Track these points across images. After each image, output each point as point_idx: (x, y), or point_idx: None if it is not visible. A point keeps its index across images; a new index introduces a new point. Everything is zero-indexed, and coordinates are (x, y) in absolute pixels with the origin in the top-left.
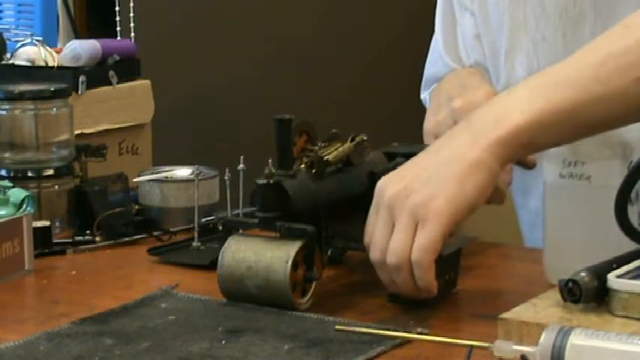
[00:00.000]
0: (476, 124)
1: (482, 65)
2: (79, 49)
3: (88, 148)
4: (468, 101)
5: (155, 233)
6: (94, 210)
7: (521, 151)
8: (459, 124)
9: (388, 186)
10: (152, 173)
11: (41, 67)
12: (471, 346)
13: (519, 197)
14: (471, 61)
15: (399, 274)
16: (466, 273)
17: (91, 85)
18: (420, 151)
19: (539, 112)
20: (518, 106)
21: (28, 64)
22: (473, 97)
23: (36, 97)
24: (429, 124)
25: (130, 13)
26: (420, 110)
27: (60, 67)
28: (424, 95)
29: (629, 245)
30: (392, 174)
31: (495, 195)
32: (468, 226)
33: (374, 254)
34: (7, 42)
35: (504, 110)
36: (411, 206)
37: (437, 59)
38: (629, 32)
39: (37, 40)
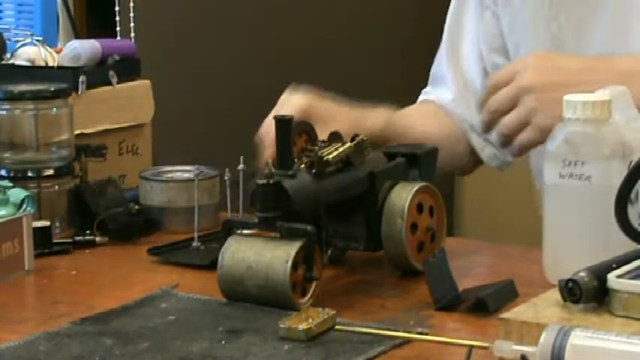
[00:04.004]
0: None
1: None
2: (79, 49)
3: (88, 148)
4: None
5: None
6: (93, 210)
7: None
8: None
9: None
10: (152, 173)
11: (41, 67)
12: (471, 346)
13: None
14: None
15: None
16: (466, 273)
17: (91, 85)
18: (420, 151)
19: None
20: None
21: (28, 64)
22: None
23: (36, 97)
24: None
25: (130, 13)
26: None
27: (60, 67)
28: (426, 89)
29: (629, 245)
30: None
31: None
32: (468, 226)
33: None
34: (7, 42)
35: None
36: None
37: (442, 60)
38: None
39: (37, 40)
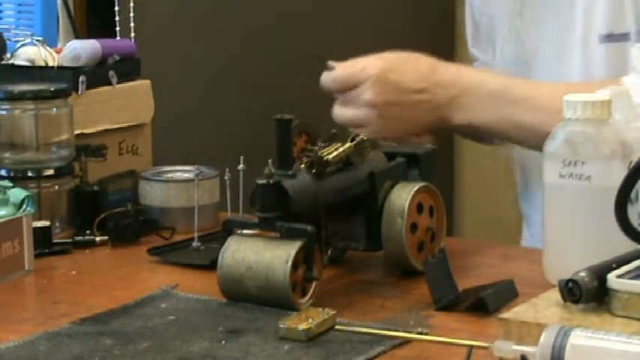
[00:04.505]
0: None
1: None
2: (79, 49)
3: (88, 148)
4: None
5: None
6: (94, 210)
7: None
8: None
9: None
10: (152, 173)
11: (41, 67)
12: (471, 346)
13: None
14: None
15: None
16: (466, 273)
17: (91, 85)
18: (420, 151)
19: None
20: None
21: (28, 64)
22: None
23: (36, 97)
24: None
25: (130, 13)
26: None
27: (60, 67)
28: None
29: (629, 245)
30: None
31: None
32: (468, 227)
33: None
34: (7, 42)
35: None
36: None
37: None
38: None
39: (37, 40)
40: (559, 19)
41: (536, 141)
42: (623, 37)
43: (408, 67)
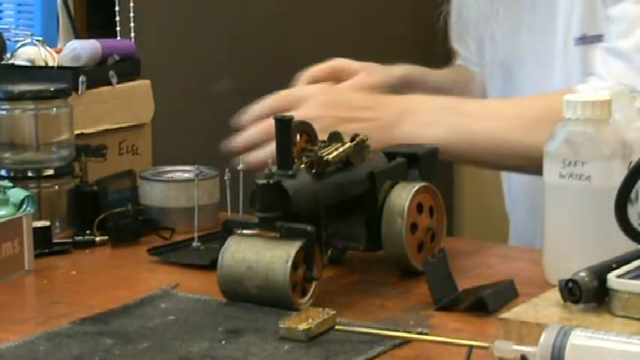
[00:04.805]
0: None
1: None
2: (79, 49)
3: (88, 148)
4: None
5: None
6: (94, 210)
7: None
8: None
9: None
10: (152, 173)
11: (41, 67)
12: (471, 346)
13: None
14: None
15: None
16: (466, 273)
17: (91, 85)
18: (420, 151)
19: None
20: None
21: (28, 64)
22: None
23: (36, 97)
24: None
25: (130, 13)
26: None
27: (60, 67)
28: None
29: (629, 245)
30: None
31: None
32: (468, 227)
33: None
34: (7, 42)
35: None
36: None
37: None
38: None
39: (37, 40)
40: (537, 23)
41: (493, 155)
42: (596, 38)
43: (352, 90)
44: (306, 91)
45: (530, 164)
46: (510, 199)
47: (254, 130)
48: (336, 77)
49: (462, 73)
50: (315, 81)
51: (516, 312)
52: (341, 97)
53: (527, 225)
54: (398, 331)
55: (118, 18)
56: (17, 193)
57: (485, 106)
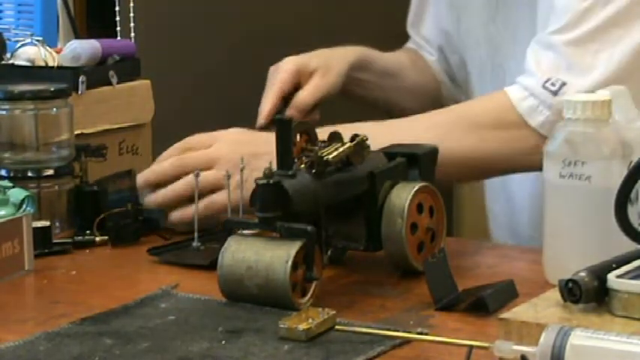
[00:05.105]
0: None
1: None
2: (79, 49)
3: (88, 148)
4: None
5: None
6: (94, 210)
7: None
8: None
9: None
10: None
11: (41, 67)
12: (471, 346)
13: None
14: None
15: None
16: (466, 273)
17: (91, 85)
18: (420, 151)
19: None
20: None
21: (28, 64)
22: None
23: (36, 97)
24: None
25: (130, 13)
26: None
27: (60, 67)
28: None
29: (629, 245)
30: None
31: None
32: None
33: None
34: (7, 42)
35: None
36: None
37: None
38: None
39: (37, 40)
40: (534, 24)
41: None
42: None
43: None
44: (220, 135)
45: (452, 171)
46: (489, 190)
47: (179, 185)
48: (297, 82)
49: (415, 59)
50: (283, 94)
51: (516, 312)
52: (253, 137)
53: (506, 218)
54: (398, 331)
55: (118, 18)
56: (17, 193)
57: (399, 122)
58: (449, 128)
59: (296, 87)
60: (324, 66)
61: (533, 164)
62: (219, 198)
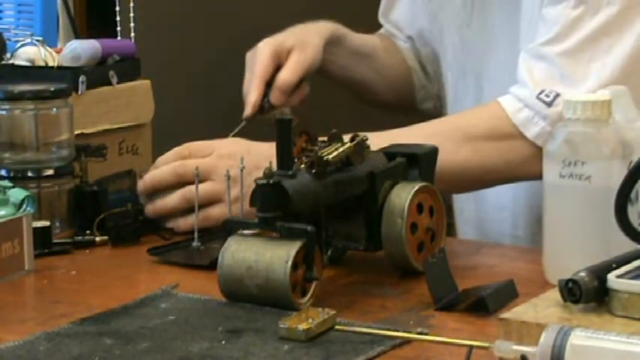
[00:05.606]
0: None
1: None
2: (79, 49)
3: (88, 148)
4: None
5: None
6: (94, 210)
7: None
8: None
9: None
10: None
11: (41, 67)
12: (471, 346)
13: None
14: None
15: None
16: (466, 273)
17: (91, 85)
18: (420, 151)
19: None
20: None
21: (28, 64)
22: None
23: (36, 97)
24: None
25: (130, 13)
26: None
27: (60, 67)
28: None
29: (629, 245)
30: None
31: None
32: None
33: None
34: (7, 42)
35: None
36: None
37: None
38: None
39: (37, 40)
40: (509, 30)
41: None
42: None
43: (258, 143)
44: (216, 145)
45: (446, 182)
46: None
47: (175, 199)
48: (277, 63)
49: (387, 43)
50: (265, 80)
51: (516, 312)
52: (249, 148)
53: (473, 213)
54: (398, 331)
55: (118, 18)
56: (17, 193)
57: (392, 133)
58: (443, 139)
59: (277, 68)
60: (301, 42)
61: (527, 175)
62: (214, 212)
